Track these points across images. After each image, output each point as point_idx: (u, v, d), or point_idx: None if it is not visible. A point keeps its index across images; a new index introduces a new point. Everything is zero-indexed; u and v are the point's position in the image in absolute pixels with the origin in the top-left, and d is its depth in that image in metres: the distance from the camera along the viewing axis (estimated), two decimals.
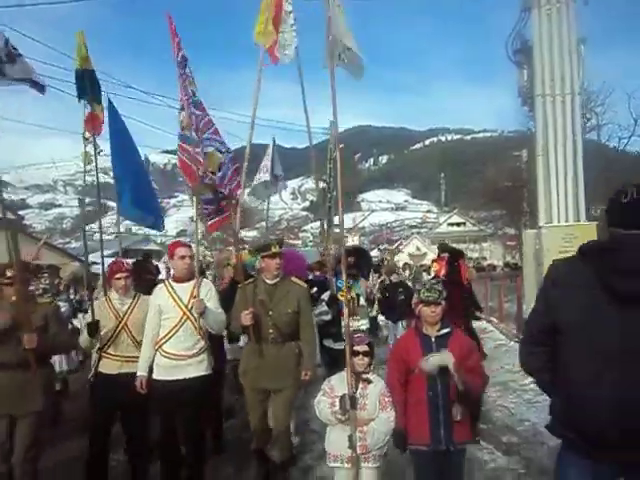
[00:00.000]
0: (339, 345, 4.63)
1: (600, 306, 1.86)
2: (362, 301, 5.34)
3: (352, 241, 38.90)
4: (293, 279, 3.99)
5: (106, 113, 4.89)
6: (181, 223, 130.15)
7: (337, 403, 2.99)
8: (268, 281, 3.85)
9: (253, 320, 3.62)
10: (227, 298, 4.29)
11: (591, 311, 1.88)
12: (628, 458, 1.85)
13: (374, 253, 42.38)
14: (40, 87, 4.26)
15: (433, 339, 2.96)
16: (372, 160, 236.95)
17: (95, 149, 4.74)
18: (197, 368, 3.65)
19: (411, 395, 2.94)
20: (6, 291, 3.54)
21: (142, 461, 3.89)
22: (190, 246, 3.96)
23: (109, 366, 3.80)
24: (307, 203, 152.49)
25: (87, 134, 4.62)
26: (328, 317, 4.85)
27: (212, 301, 3.76)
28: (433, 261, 8.20)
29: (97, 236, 5.37)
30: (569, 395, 1.95)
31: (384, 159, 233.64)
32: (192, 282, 3.70)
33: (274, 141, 7.99)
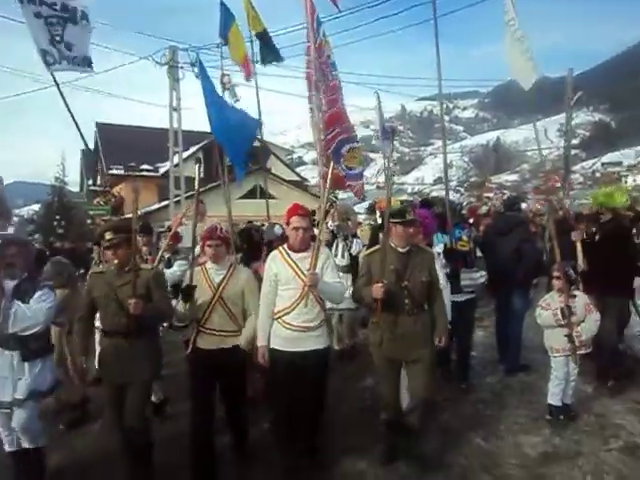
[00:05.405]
0: (459, 297, 4.81)
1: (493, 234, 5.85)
2: (478, 253, 5.24)
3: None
4: (422, 245, 3.93)
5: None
6: (437, 170, 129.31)
7: (559, 313, 4.19)
8: (400, 249, 3.63)
9: (385, 294, 3.42)
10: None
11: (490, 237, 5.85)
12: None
13: None
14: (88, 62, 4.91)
15: None
16: None
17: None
18: (318, 340, 3.52)
19: None
20: (106, 255, 3.56)
21: (243, 434, 3.84)
22: (307, 215, 3.61)
23: (208, 341, 3.62)
24: (577, 140, 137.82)
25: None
26: (446, 270, 4.59)
27: (329, 272, 3.56)
28: None
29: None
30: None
31: None
32: (309, 251, 3.49)
33: (378, 96, 8.50)
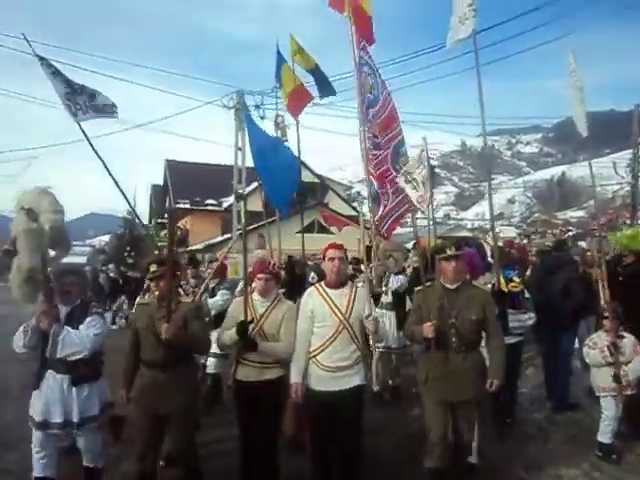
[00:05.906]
0: (507, 339, 4.23)
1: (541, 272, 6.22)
2: (527, 294, 5.00)
3: None
4: (475, 283, 3.87)
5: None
6: (498, 206, 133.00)
7: (606, 350, 4.29)
8: (448, 285, 3.62)
9: (436, 332, 3.43)
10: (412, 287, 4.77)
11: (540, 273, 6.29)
12: None
13: None
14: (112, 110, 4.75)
15: None
16: None
17: None
18: (351, 379, 3.43)
19: None
20: (152, 286, 3.68)
21: (274, 471, 3.63)
22: (342, 248, 3.60)
23: (248, 373, 3.58)
24: None
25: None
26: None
27: (367, 310, 3.55)
28: None
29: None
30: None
31: None
32: (346, 288, 3.55)
33: (425, 142, 6.41)
